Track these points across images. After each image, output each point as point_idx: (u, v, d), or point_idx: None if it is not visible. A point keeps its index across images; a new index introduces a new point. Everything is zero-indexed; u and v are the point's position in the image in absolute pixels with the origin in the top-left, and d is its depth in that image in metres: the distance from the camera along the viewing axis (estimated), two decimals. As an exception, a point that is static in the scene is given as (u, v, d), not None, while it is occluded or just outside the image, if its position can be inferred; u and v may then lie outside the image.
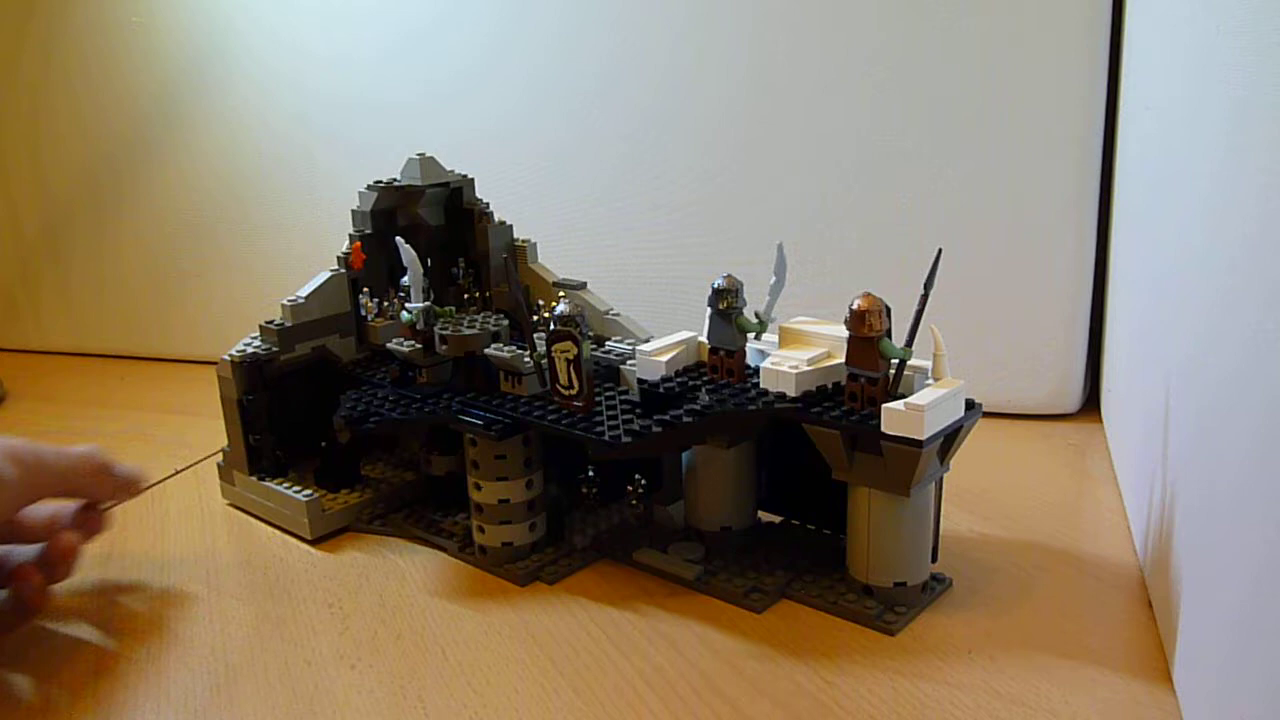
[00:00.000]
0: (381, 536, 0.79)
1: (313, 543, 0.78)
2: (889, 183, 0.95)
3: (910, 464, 0.58)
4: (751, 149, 1.00)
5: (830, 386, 0.65)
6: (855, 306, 0.60)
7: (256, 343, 0.81)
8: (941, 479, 0.64)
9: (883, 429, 0.58)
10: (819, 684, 0.57)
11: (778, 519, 0.75)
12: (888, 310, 0.61)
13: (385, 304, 0.85)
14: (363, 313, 0.84)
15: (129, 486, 0.72)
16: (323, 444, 0.82)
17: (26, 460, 0.65)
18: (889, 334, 0.61)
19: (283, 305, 0.81)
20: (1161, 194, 0.68)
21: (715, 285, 0.67)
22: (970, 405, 0.62)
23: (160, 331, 1.33)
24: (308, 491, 0.79)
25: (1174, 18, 0.67)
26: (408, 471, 0.86)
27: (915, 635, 0.62)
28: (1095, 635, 0.61)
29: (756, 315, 0.68)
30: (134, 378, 1.28)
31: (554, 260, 0.88)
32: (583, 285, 0.84)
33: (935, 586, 0.66)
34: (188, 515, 0.85)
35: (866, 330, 0.60)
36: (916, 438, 0.57)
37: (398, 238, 0.76)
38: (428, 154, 0.85)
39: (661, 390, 0.68)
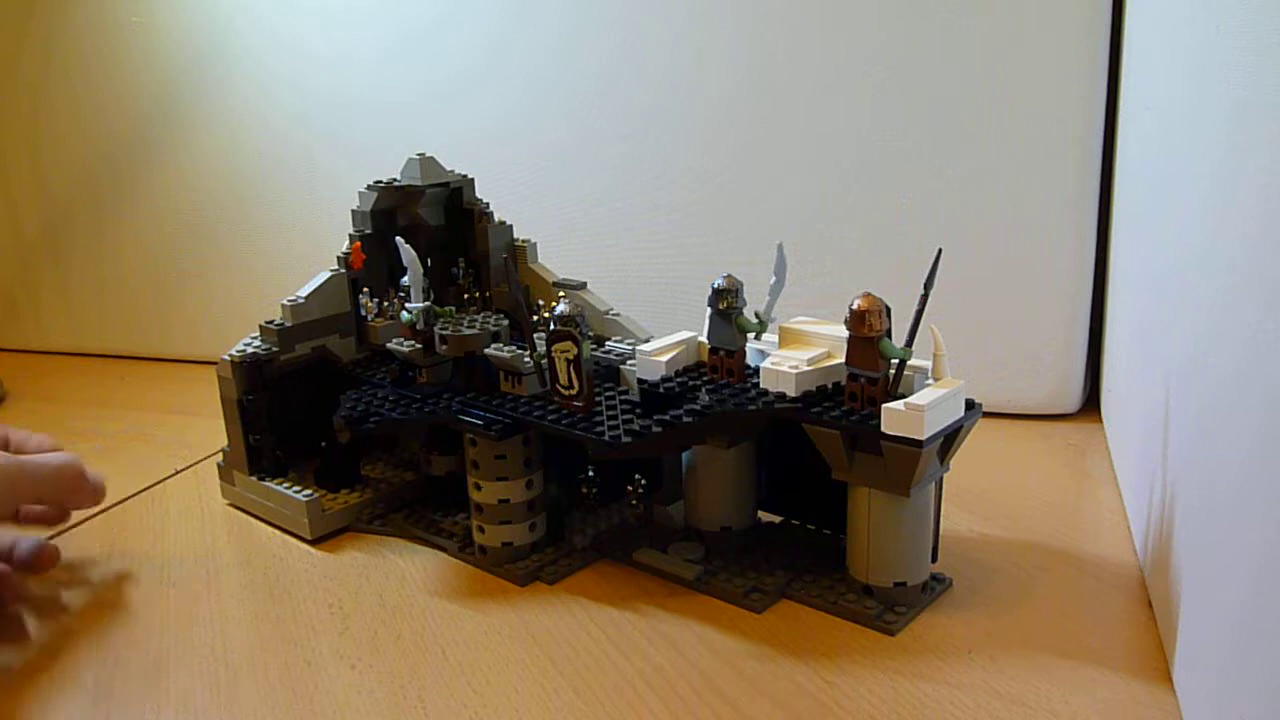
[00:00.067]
0: (381, 536, 0.79)
1: (313, 543, 0.78)
2: (889, 183, 0.95)
3: (910, 464, 0.58)
4: (751, 149, 1.00)
5: (830, 386, 0.65)
6: (855, 306, 0.60)
7: (256, 343, 0.81)
8: (941, 479, 0.64)
9: (883, 429, 0.58)
10: (819, 684, 0.57)
11: (778, 519, 0.75)
12: (888, 310, 0.61)
13: (385, 304, 0.85)
14: (363, 313, 0.84)
15: (96, 495, 0.74)
16: (323, 444, 0.82)
17: (8, 469, 0.67)
18: (889, 334, 0.61)
19: (283, 305, 0.81)
20: (1161, 194, 0.68)
21: (715, 285, 0.67)
22: (970, 405, 0.62)
23: (160, 331, 1.33)
24: (308, 491, 0.79)
25: (1174, 18, 0.67)
26: (408, 471, 0.86)
27: (915, 635, 0.62)
28: (1095, 635, 0.61)
29: (756, 315, 0.68)
30: (134, 378, 1.28)
31: (554, 260, 0.88)
32: (583, 285, 0.84)
33: (935, 586, 0.66)
34: (188, 515, 0.85)
35: (866, 330, 0.60)
36: (916, 438, 0.57)
37: (398, 238, 0.76)
38: (428, 154, 0.85)
39: (661, 390, 0.68)
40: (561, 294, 0.83)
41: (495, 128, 1.09)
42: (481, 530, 0.72)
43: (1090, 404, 0.98)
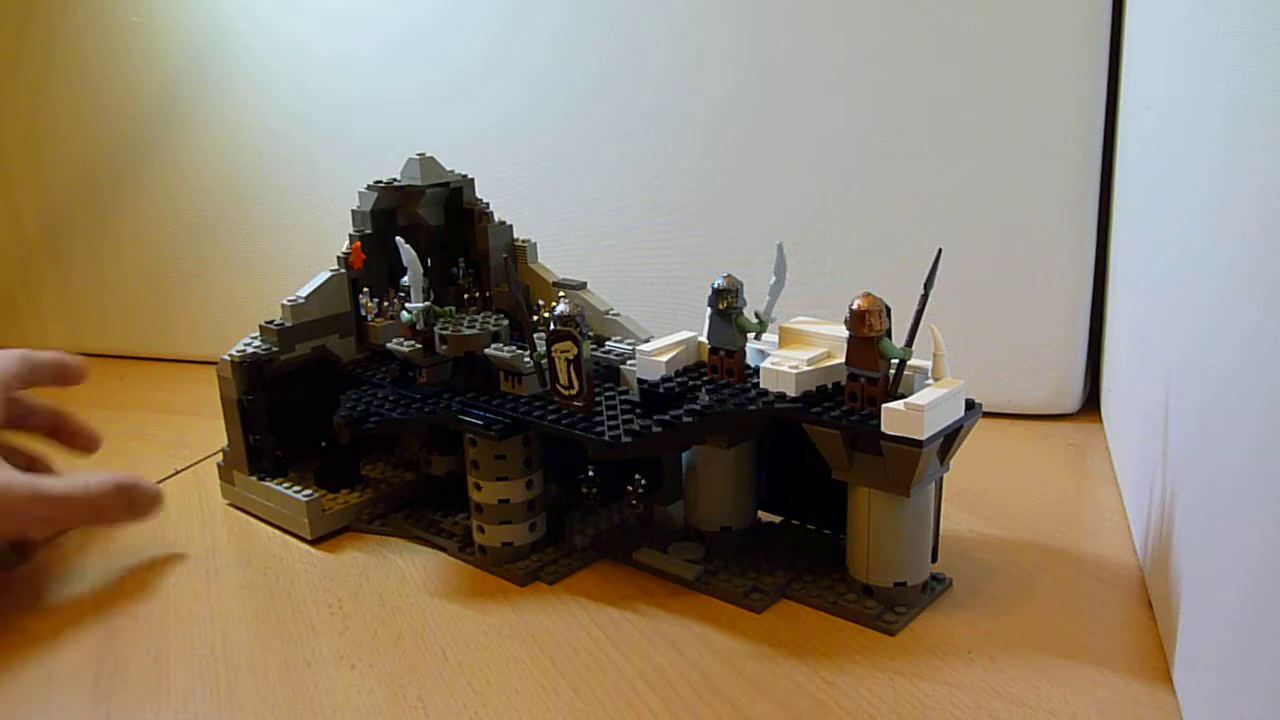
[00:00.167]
0: (381, 536, 0.79)
1: (313, 543, 0.78)
2: (889, 183, 0.95)
3: (910, 464, 0.58)
4: (751, 149, 1.00)
5: (830, 386, 0.65)
6: (855, 306, 0.60)
7: (256, 343, 0.81)
8: (941, 479, 0.64)
9: (883, 429, 0.58)
10: (819, 684, 0.57)
11: (778, 519, 0.75)
12: (888, 310, 0.61)
13: (385, 304, 0.85)
14: (363, 313, 0.84)
15: (136, 510, 0.75)
16: (323, 444, 0.82)
17: (15, 492, 0.68)
18: (889, 334, 0.61)
19: (283, 305, 0.81)
20: (1161, 194, 0.68)
21: (715, 285, 0.67)
22: (970, 405, 0.62)
23: (160, 331, 1.33)
24: (308, 491, 0.79)
25: (1174, 18, 0.67)
26: (408, 471, 0.86)
27: (915, 635, 0.62)
28: (1095, 635, 0.61)
29: (756, 315, 0.68)
30: (134, 378, 1.28)
31: (554, 260, 0.88)
32: (583, 285, 0.84)
33: (935, 586, 0.66)
34: (188, 515, 0.85)
35: (866, 330, 0.60)
36: (916, 438, 0.57)
37: (398, 238, 0.76)
38: (428, 154, 0.85)
39: (661, 390, 0.68)
40: (561, 294, 0.83)
41: (495, 128, 1.09)
42: (481, 530, 0.72)
43: (1090, 404, 0.98)
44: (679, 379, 0.69)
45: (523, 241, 0.88)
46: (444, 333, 0.73)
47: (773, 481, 0.74)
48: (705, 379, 0.69)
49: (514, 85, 1.08)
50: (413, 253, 0.74)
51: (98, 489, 0.72)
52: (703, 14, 0.99)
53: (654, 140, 1.03)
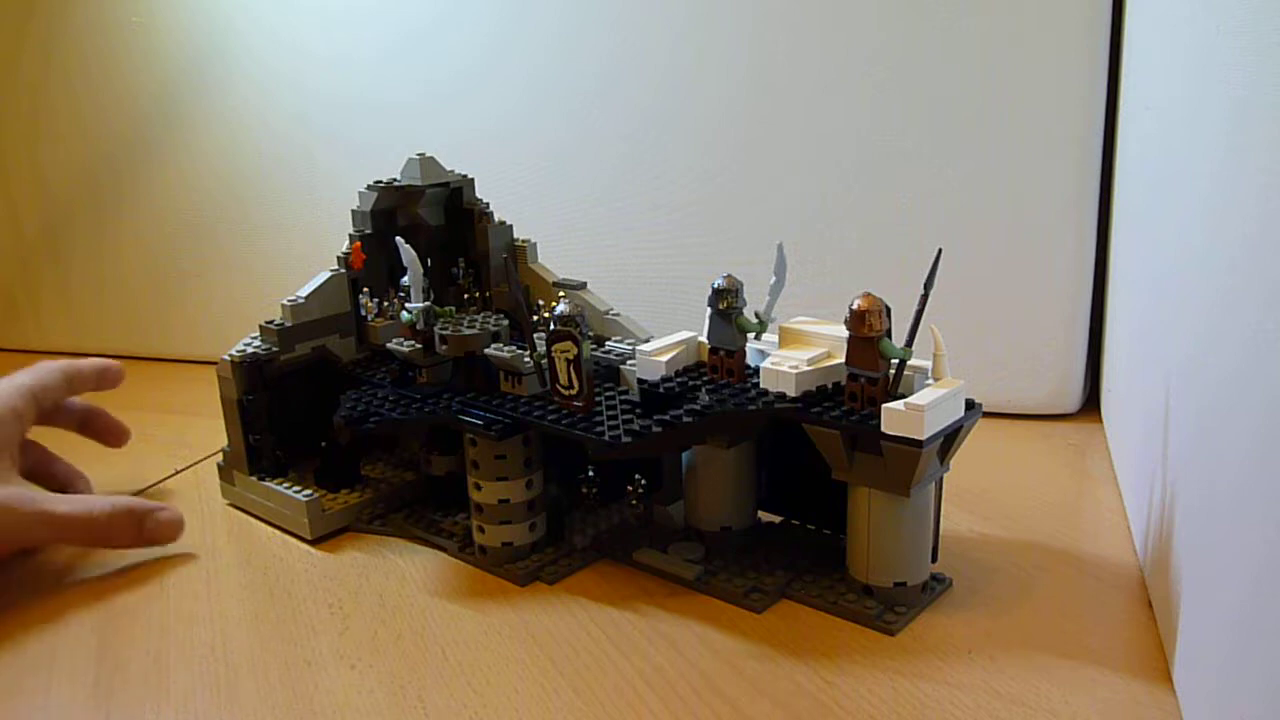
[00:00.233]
0: (381, 536, 0.79)
1: (313, 543, 0.78)
2: (889, 183, 0.95)
3: (910, 464, 0.58)
4: (751, 149, 1.00)
5: (830, 386, 0.65)
6: (855, 306, 0.60)
7: (256, 343, 0.81)
8: (941, 479, 0.64)
9: (883, 429, 0.58)
10: (819, 684, 0.57)
11: (778, 519, 0.75)
12: (888, 310, 0.61)
13: (385, 304, 0.85)
14: (363, 313, 0.84)
15: (152, 537, 0.77)
16: (323, 444, 0.82)
17: (20, 510, 0.70)
18: (889, 334, 0.61)
19: (283, 305, 0.81)
20: (1161, 194, 0.68)
21: (715, 285, 0.67)
22: (970, 405, 0.62)
23: (160, 331, 1.33)
24: (308, 491, 0.79)
25: (1174, 18, 0.67)
26: (408, 471, 0.86)
27: (915, 635, 0.62)
28: (1095, 635, 0.61)
29: (756, 315, 0.68)
30: (134, 378, 1.27)
31: (554, 260, 0.88)
32: (583, 285, 0.84)
33: (935, 586, 0.66)
34: (188, 515, 0.84)
35: (866, 330, 0.60)
36: (916, 438, 0.57)
37: (398, 238, 0.76)
38: (428, 154, 0.85)
39: (661, 390, 0.68)
40: (561, 294, 0.83)
41: (495, 128, 1.09)
42: (481, 530, 0.72)
43: (1090, 404, 0.98)
44: (679, 379, 0.69)
45: (523, 241, 0.88)
46: (444, 333, 0.73)
47: (773, 481, 0.74)
48: (705, 379, 0.69)
49: (514, 85, 1.08)
50: (413, 253, 0.74)
51: (106, 513, 0.73)
52: (703, 14, 0.99)
53: (654, 140, 1.03)
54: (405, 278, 0.77)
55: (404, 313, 0.75)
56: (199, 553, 0.78)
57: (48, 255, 1.37)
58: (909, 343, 0.60)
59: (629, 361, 0.73)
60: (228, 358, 0.80)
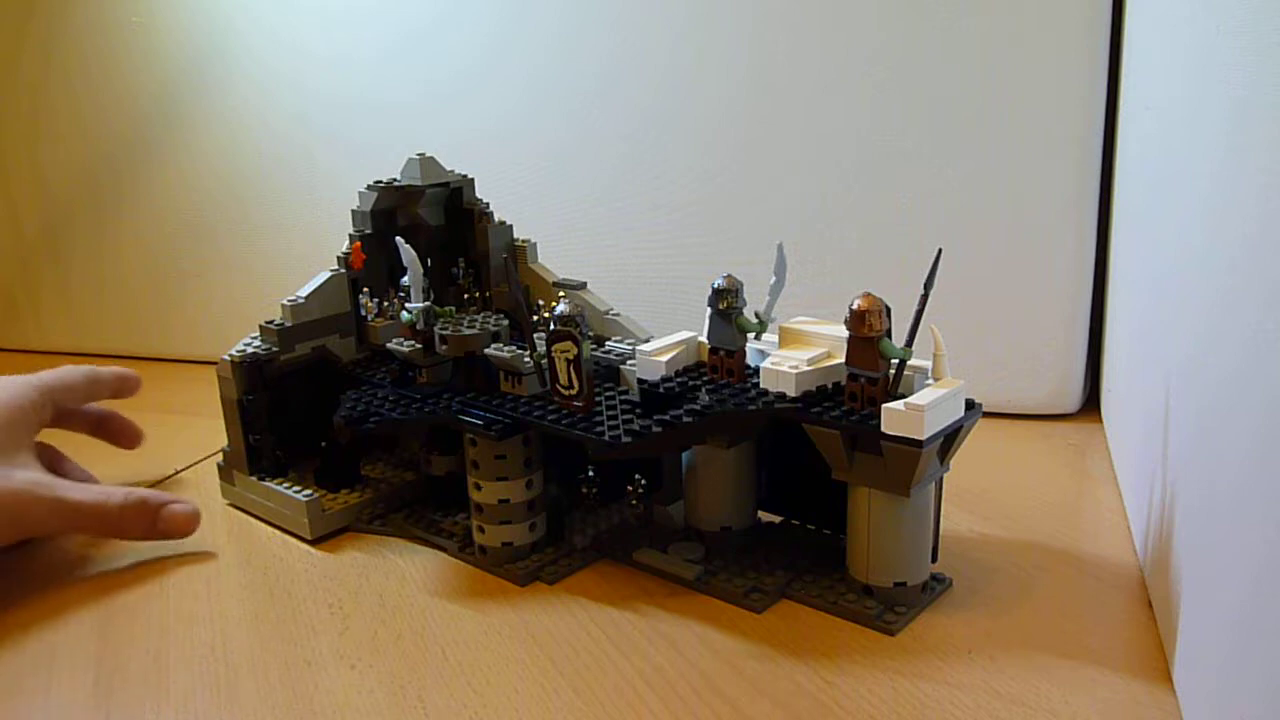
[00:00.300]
0: (381, 536, 0.79)
1: (313, 543, 0.78)
2: (889, 183, 0.95)
3: (910, 464, 0.58)
4: (751, 149, 1.00)
5: (830, 386, 0.65)
6: (855, 306, 0.60)
7: (256, 343, 0.81)
8: (941, 479, 0.64)
9: (883, 429, 0.58)
10: (819, 684, 0.57)
11: (778, 519, 0.75)
12: (888, 310, 0.61)
13: (385, 304, 0.85)
14: (363, 313, 0.84)
15: (164, 530, 0.77)
16: (323, 444, 0.82)
17: (40, 498, 0.71)
18: (889, 334, 0.61)
19: (283, 305, 0.81)
20: (1161, 194, 0.68)
21: (715, 285, 0.67)
22: (970, 405, 0.62)
23: (160, 331, 1.33)
24: (308, 491, 0.79)
25: (1174, 18, 0.67)
26: (408, 471, 0.86)
27: (915, 635, 0.62)
28: (1095, 635, 0.61)
29: (756, 315, 0.68)
30: (134, 378, 1.28)
31: (554, 260, 0.88)
32: (583, 285, 0.84)
33: (935, 586, 0.66)
34: (188, 515, 0.85)
35: (866, 330, 0.60)
36: (916, 438, 0.57)
37: (398, 238, 0.76)
38: (428, 154, 0.85)
39: (661, 390, 0.68)
40: (561, 294, 0.83)
41: (495, 128, 1.09)
42: (481, 530, 0.72)
43: (1090, 404, 0.98)
44: (679, 379, 0.69)
45: (523, 241, 0.88)
46: (444, 333, 0.73)
47: (773, 481, 0.74)
48: (705, 379, 0.69)
49: (514, 85, 1.08)
50: (413, 253, 0.74)
51: (120, 504, 0.74)
52: (703, 14, 0.99)
53: (654, 140, 1.03)
54: (405, 278, 0.77)
55: (404, 313, 0.75)
56: (199, 553, 0.78)
57: (48, 255, 1.37)
58: (909, 343, 0.60)
59: (629, 361, 0.73)
60: (228, 358, 0.80)
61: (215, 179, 1.24)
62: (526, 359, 0.70)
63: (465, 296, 0.88)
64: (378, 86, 1.13)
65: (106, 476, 0.89)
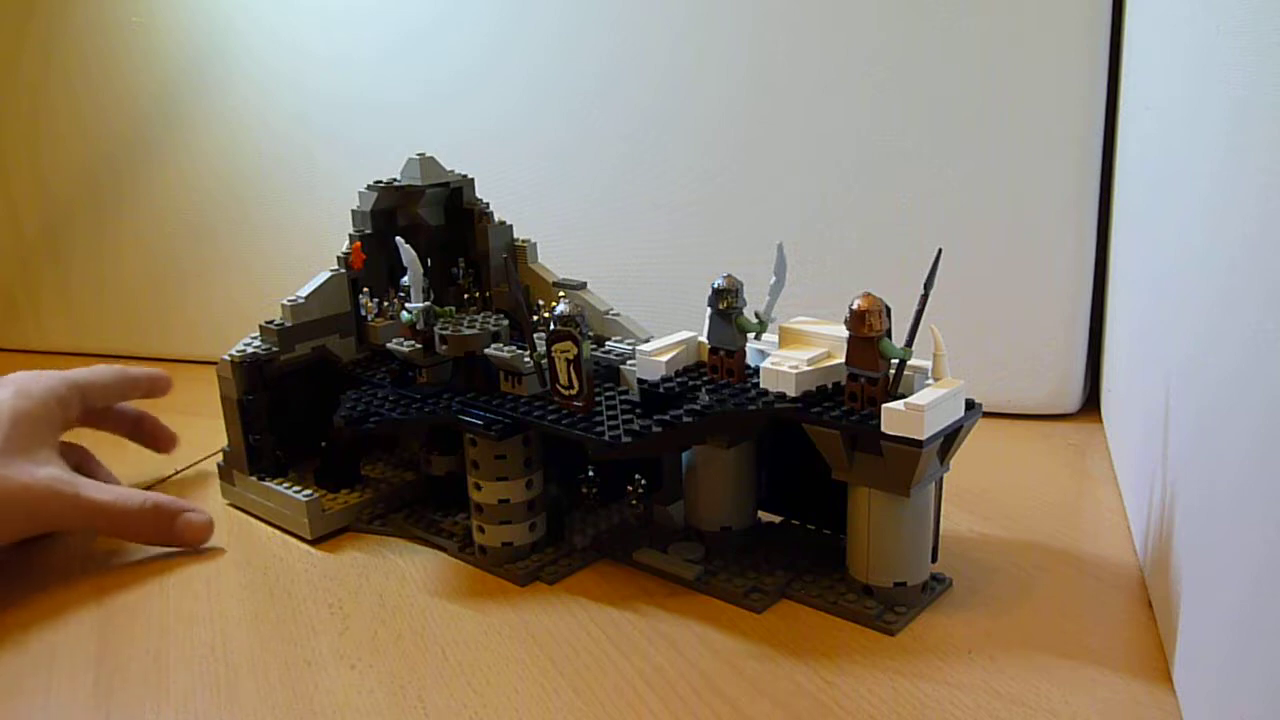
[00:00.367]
0: (381, 536, 0.79)
1: (313, 543, 0.78)
2: (889, 183, 0.95)
3: (910, 464, 0.58)
4: (751, 149, 1.00)
5: (830, 386, 0.65)
6: (855, 306, 0.60)
7: (256, 343, 0.81)
8: (941, 479, 0.64)
9: (883, 429, 0.58)
10: (819, 684, 0.57)
11: (778, 519, 0.75)
12: (888, 310, 0.61)
13: (385, 304, 0.85)
14: (363, 313, 0.84)
15: (179, 537, 0.78)
16: (323, 444, 0.82)
17: (62, 496, 0.72)
18: (889, 334, 0.61)
19: (283, 305, 0.81)
20: (1161, 194, 0.68)
21: (715, 285, 0.67)
22: (970, 405, 0.62)
23: (160, 331, 1.33)
24: (308, 491, 0.79)
25: (1174, 18, 0.67)
26: (408, 471, 0.86)
27: (915, 635, 0.62)
28: (1095, 635, 0.61)
29: (756, 315, 0.68)
30: (134, 378, 1.28)
31: (554, 260, 0.88)
32: (583, 285, 0.84)
33: (935, 586, 0.66)
34: (188, 515, 0.85)
35: (866, 330, 0.60)
36: (916, 438, 0.57)
37: (398, 238, 0.76)
38: (428, 154, 0.85)
39: (661, 390, 0.68)
40: (561, 294, 0.83)
41: (495, 128, 1.09)
42: (481, 530, 0.72)
43: (1090, 404, 0.98)
44: (679, 379, 0.69)
45: (523, 241, 0.88)
46: (444, 333, 0.73)
47: (773, 481, 0.74)
48: (705, 379, 0.69)
49: (514, 85, 1.08)
50: (413, 253, 0.74)
51: (137, 507, 0.75)
52: (703, 14, 0.99)
53: (654, 140, 1.03)
54: (405, 278, 0.77)
55: (404, 313, 0.75)
56: (199, 552, 0.78)
57: (48, 255, 1.37)
58: (909, 343, 0.60)
59: (629, 361, 0.73)
60: (228, 358, 0.80)
61: (215, 179, 1.24)
62: (526, 359, 0.70)
63: (465, 296, 0.88)
64: (378, 86, 1.13)
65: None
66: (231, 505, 0.86)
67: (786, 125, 0.98)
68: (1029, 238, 0.92)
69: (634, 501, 0.76)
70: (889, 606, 0.63)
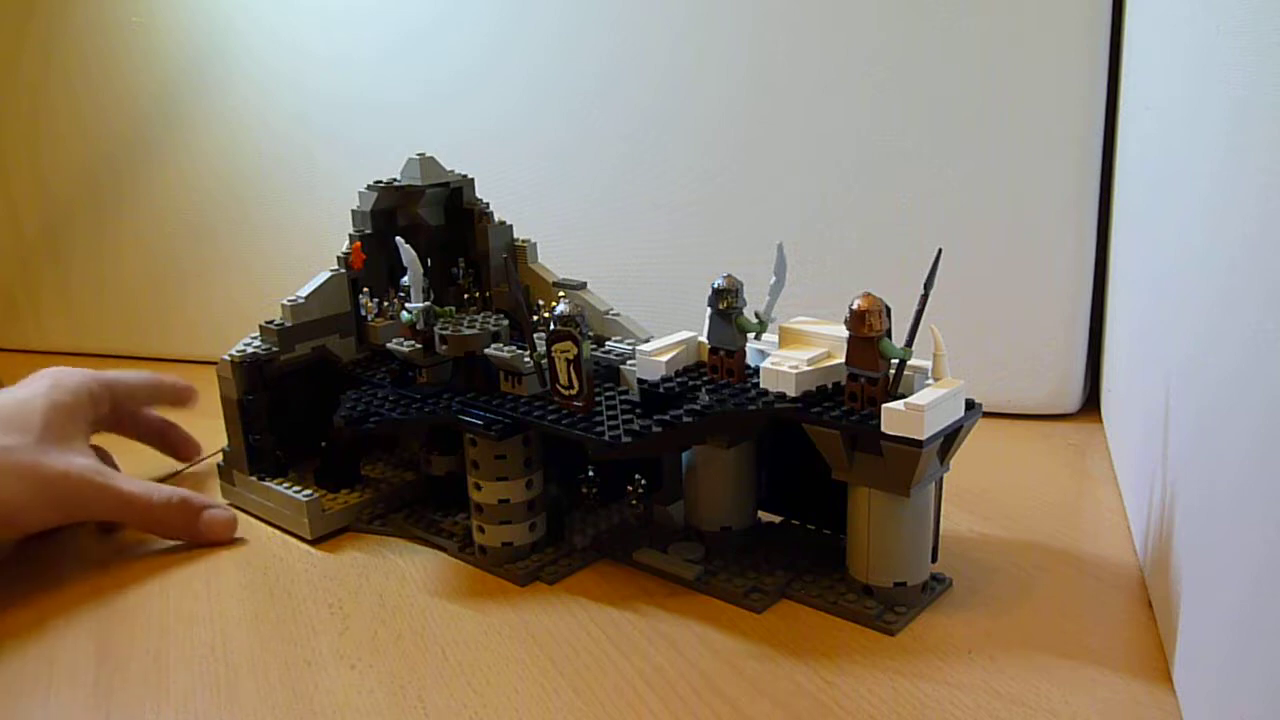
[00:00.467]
0: (381, 536, 0.79)
1: (313, 543, 0.78)
2: (889, 183, 0.95)
3: (910, 464, 0.58)
4: (751, 149, 1.00)
5: (830, 386, 0.65)
6: (855, 306, 0.60)
7: (256, 343, 0.81)
8: (941, 479, 0.64)
9: (883, 429, 0.58)
10: (819, 684, 0.57)
11: (778, 519, 0.75)
12: (888, 310, 0.61)
13: (385, 304, 0.85)
14: (363, 313, 0.84)
15: (201, 533, 0.79)
16: (323, 444, 0.82)
17: (95, 484, 0.73)
18: (889, 334, 0.61)
19: (283, 305, 0.81)
20: (1161, 194, 0.68)
21: (715, 285, 0.67)
22: (970, 405, 0.62)
23: (160, 331, 1.33)
24: (308, 491, 0.79)
25: (1174, 18, 0.67)
26: (408, 471, 0.86)
27: (915, 635, 0.62)
28: (1095, 635, 0.61)
29: (756, 315, 0.68)
30: (134, 378, 1.28)
31: (554, 260, 0.88)
32: (583, 285, 0.84)
33: (935, 586, 0.66)
34: (188, 515, 0.85)
35: (866, 330, 0.60)
36: (916, 438, 0.57)
37: (398, 238, 0.76)
38: (428, 154, 0.85)
39: (661, 390, 0.68)
40: (561, 294, 0.83)
41: (495, 128, 1.09)
42: (481, 530, 0.72)
43: (1090, 404, 0.98)
44: (679, 379, 0.69)
45: (523, 241, 0.88)
46: (444, 333, 0.73)
47: (773, 481, 0.74)
48: (705, 379, 0.69)
49: (514, 85, 1.08)
50: (413, 253, 0.74)
51: (164, 500, 0.76)
52: (703, 14, 0.99)
53: (654, 140, 1.03)
54: (405, 278, 0.77)
55: (404, 313, 0.75)
56: (199, 553, 0.78)
57: (48, 255, 1.37)
58: (909, 343, 0.60)
59: (629, 361, 0.73)
60: (228, 358, 0.80)
61: (215, 179, 1.24)
62: (526, 359, 0.70)
63: (465, 296, 0.88)
64: (378, 86, 1.13)
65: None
66: (231, 505, 0.86)
67: (786, 125, 0.98)
68: (1029, 238, 0.92)
69: (634, 501, 0.76)
70: (889, 606, 0.63)
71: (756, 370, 0.67)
